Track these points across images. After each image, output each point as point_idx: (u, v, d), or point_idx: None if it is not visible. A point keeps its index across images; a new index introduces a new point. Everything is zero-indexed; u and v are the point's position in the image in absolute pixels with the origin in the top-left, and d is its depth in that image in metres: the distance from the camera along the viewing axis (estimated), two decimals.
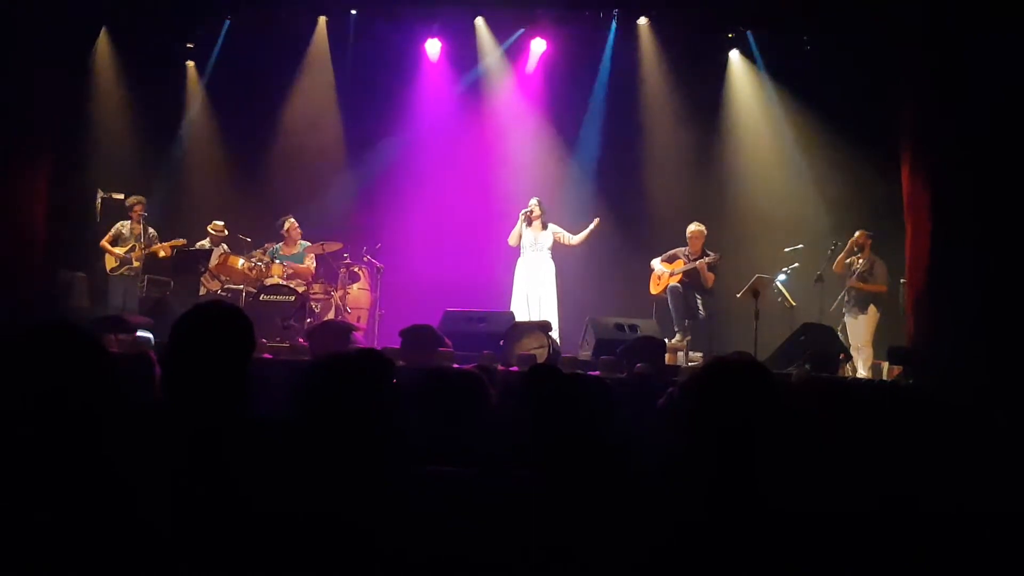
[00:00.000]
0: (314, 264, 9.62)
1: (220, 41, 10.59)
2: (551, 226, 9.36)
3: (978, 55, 7.38)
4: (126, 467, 1.81)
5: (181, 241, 9.67)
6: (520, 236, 9.29)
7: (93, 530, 1.71)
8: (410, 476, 2.01)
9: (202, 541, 1.78)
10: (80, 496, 1.73)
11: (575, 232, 9.34)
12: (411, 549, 1.84)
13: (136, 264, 9.39)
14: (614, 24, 10.48)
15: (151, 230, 9.54)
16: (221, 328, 2.14)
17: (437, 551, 1.85)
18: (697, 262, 8.96)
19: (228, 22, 10.53)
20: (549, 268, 9.35)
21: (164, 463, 1.85)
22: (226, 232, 9.83)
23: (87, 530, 1.71)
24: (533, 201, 9.33)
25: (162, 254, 9.52)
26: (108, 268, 9.46)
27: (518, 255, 9.40)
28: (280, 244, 9.62)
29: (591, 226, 9.19)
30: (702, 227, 9.17)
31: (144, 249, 9.39)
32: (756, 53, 10.39)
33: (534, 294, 9.22)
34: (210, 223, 9.87)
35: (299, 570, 1.81)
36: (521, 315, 8.68)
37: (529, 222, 9.29)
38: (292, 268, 9.39)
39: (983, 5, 7.45)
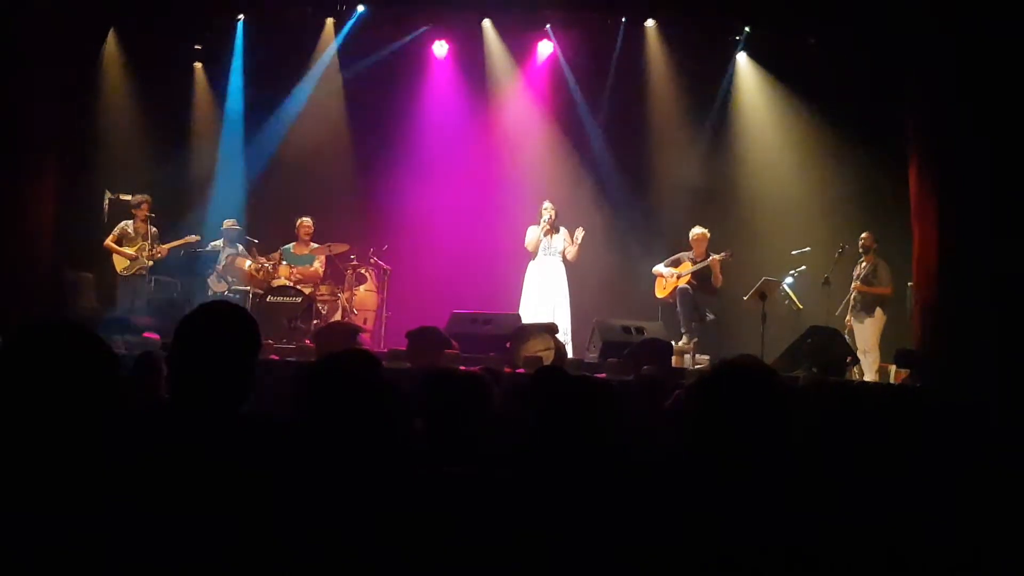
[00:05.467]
0: (323, 268, 9.62)
1: (235, 42, 10.60)
2: (562, 230, 9.34)
3: (987, 57, 7.36)
4: (131, 468, 1.81)
5: (195, 238, 9.69)
6: (539, 242, 9.27)
7: (97, 531, 1.71)
8: (414, 477, 2.00)
9: (206, 542, 1.78)
10: (84, 497, 1.73)
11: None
12: (414, 549, 1.84)
13: (149, 263, 9.41)
14: (621, 27, 10.48)
15: (153, 229, 9.53)
16: (226, 328, 2.14)
17: (441, 552, 1.85)
18: (710, 259, 8.93)
19: (240, 23, 10.53)
20: (561, 271, 9.31)
21: (168, 464, 1.85)
22: (238, 227, 9.84)
23: (91, 531, 1.71)
24: (550, 206, 9.29)
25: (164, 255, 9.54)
26: (119, 269, 9.44)
27: (528, 257, 9.38)
28: (293, 243, 9.66)
29: (578, 239, 9.17)
30: (705, 231, 9.15)
31: (152, 248, 9.40)
32: (763, 55, 10.39)
33: (549, 298, 9.18)
34: (222, 223, 9.87)
35: (302, 570, 1.81)
36: (535, 318, 8.64)
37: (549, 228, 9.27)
38: (299, 274, 9.38)
39: (993, 5, 7.42)
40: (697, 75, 10.47)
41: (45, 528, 1.68)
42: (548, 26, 10.57)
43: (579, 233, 9.15)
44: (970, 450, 2.43)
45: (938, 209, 8.08)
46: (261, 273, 9.28)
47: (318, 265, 9.58)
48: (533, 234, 9.27)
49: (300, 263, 9.53)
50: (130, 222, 9.47)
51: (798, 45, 10.01)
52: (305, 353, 7.32)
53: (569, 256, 9.26)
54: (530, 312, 8.93)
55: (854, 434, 2.18)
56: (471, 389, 2.63)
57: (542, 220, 9.24)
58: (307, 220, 9.70)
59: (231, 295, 9.30)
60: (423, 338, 7.04)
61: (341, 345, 6.81)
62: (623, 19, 10.45)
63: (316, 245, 9.61)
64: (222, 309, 2.20)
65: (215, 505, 1.82)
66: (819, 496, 1.97)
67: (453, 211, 10.43)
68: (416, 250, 10.15)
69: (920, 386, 6.94)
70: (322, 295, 9.34)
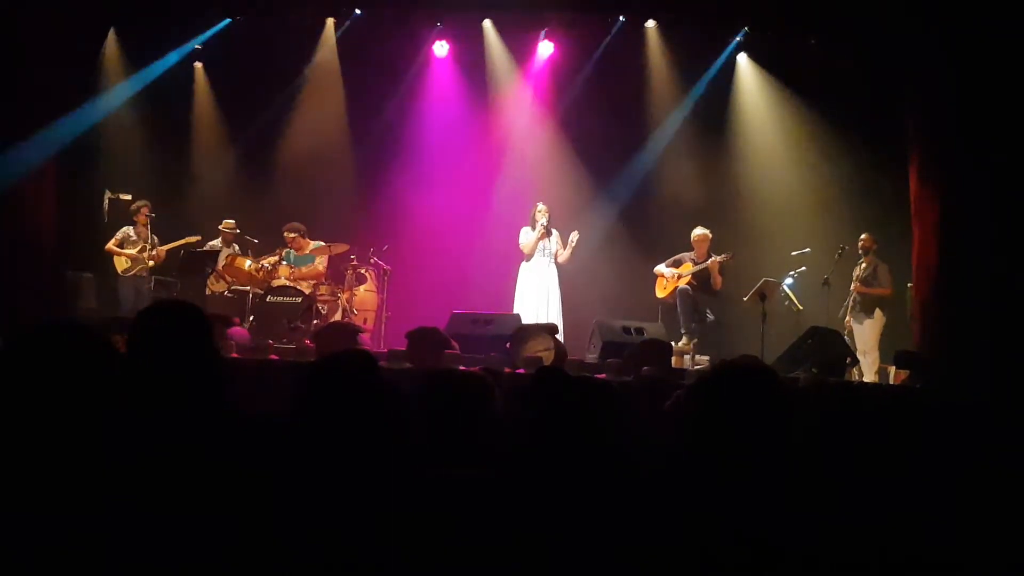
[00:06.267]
0: (324, 265, 9.58)
1: (213, 37, 10.57)
2: (555, 232, 9.34)
3: (986, 57, 7.36)
4: (131, 468, 1.81)
5: (195, 238, 9.68)
6: (536, 244, 9.26)
7: (97, 531, 1.71)
8: (414, 477, 2.00)
9: (206, 542, 1.78)
10: (84, 497, 1.73)
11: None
12: (414, 550, 1.84)
13: (150, 263, 9.41)
14: (618, 26, 10.47)
15: (154, 236, 9.53)
16: (172, 327, 2.16)
17: (440, 552, 1.85)
18: (710, 261, 8.93)
19: (228, 20, 10.50)
20: (555, 273, 9.33)
21: (169, 464, 1.86)
22: (237, 230, 9.84)
23: (91, 531, 1.71)
24: (544, 208, 9.27)
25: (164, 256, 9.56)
26: (120, 269, 9.46)
27: (523, 258, 9.37)
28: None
29: (572, 243, 9.14)
30: (707, 232, 9.15)
31: (152, 250, 9.41)
32: (763, 56, 10.39)
33: (543, 299, 9.17)
34: (221, 222, 9.86)
35: (302, 571, 1.81)
36: (530, 319, 8.63)
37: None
38: (299, 273, 9.35)
39: (992, 6, 7.42)
40: (697, 76, 10.48)
41: (45, 528, 1.68)
42: (548, 27, 10.56)
43: (574, 236, 9.13)
44: (970, 450, 2.43)
45: (938, 209, 8.08)
46: (261, 273, 9.26)
47: (320, 263, 9.53)
48: (529, 236, 9.26)
49: (302, 263, 9.49)
50: (131, 227, 9.50)
51: (798, 45, 10.00)
52: (305, 353, 7.32)
53: (561, 259, 9.26)
54: (525, 313, 8.94)
55: (854, 435, 2.18)
56: (471, 389, 2.62)
57: (537, 224, 9.23)
58: (287, 233, 9.53)
59: (231, 295, 9.30)
60: (423, 338, 7.03)
61: (341, 345, 6.80)
62: (623, 19, 10.45)
63: (318, 244, 9.56)
64: (159, 311, 2.25)
65: (215, 505, 1.82)
66: (819, 497, 1.97)
67: (453, 211, 10.42)
68: (416, 250, 10.15)
69: (920, 387, 6.93)
70: (322, 295, 9.32)
